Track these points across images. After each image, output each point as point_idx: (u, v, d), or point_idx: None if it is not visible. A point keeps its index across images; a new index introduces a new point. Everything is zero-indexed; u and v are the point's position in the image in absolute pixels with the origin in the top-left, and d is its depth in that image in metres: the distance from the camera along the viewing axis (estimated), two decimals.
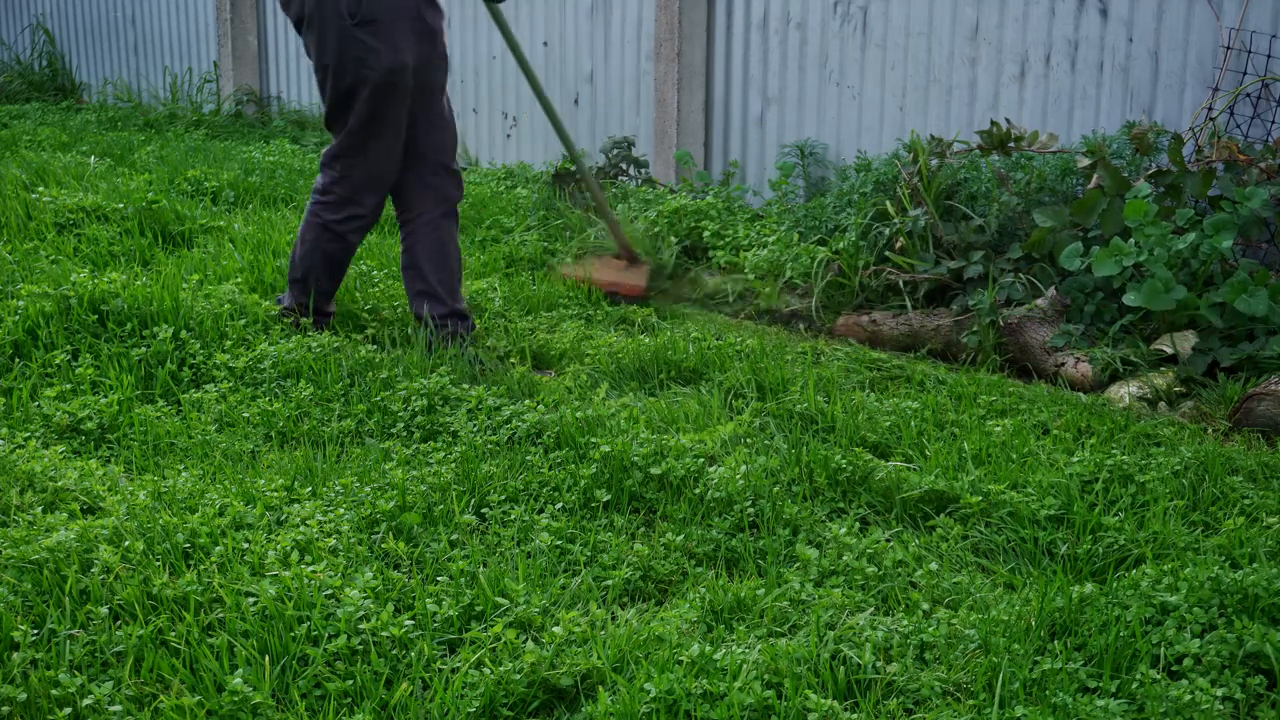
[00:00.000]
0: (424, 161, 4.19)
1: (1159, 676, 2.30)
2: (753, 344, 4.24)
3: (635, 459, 3.18)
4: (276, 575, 2.60)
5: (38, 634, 2.45)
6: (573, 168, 5.81)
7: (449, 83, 4.53)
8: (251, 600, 2.53)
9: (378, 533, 2.90)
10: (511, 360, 4.10)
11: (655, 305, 4.91)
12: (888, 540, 2.90)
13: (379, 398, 3.68)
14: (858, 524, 2.98)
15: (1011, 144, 4.71)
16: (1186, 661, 2.35)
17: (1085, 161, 4.50)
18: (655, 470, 3.14)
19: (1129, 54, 4.83)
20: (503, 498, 3.07)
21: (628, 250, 5.09)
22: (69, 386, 3.74)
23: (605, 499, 3.07)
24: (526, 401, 3.60)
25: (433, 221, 4.21)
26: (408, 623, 2.47)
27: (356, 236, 4.23)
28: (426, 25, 4.06)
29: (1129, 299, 4.03)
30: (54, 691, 2.28)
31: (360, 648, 2.42)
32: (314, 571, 2.63)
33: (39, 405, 3.60)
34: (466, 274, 5.03)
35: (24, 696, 2.27)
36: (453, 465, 3.22)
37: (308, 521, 2.88)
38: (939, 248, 4.69)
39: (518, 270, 5.23)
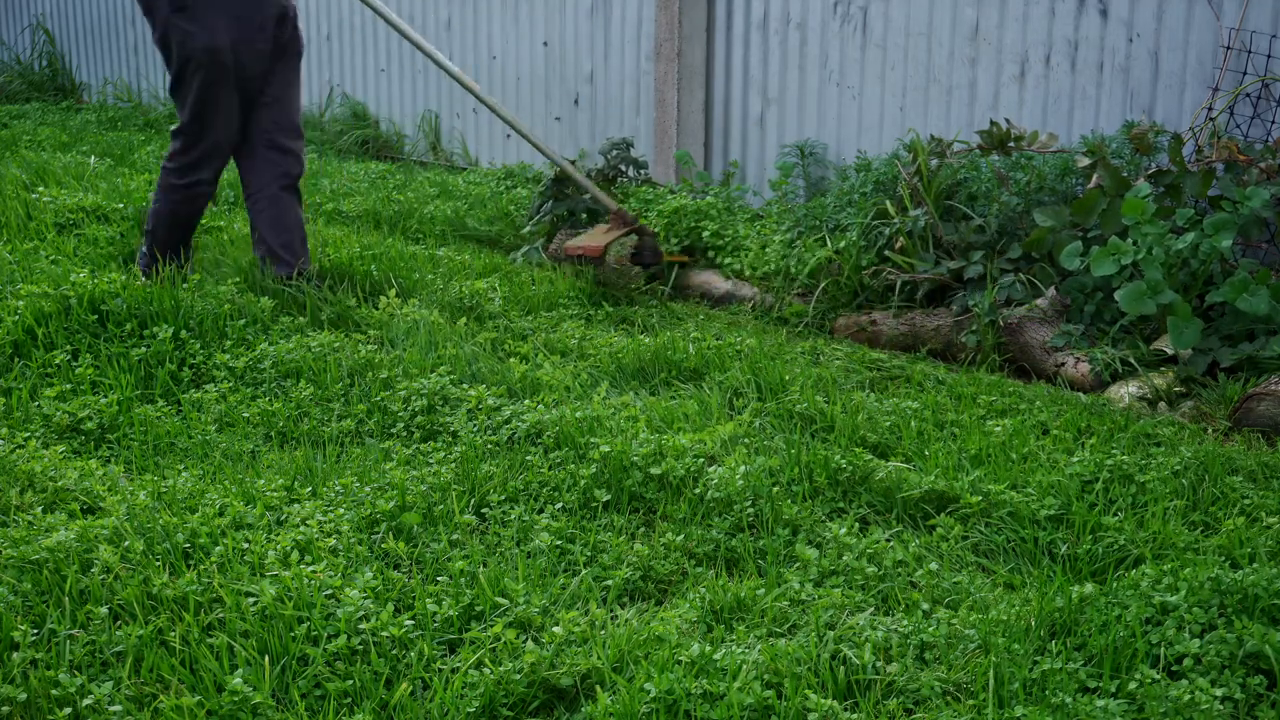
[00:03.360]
0: (259, 139, 4.63)
1: (1159, 676, 2.30)
2: (753, 344, 4.24)
3: (635, 459, 3.17)
4: (276, 575, 2.60)
5: (38, 634, 2.45)
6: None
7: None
8: (251, 600, 2.53)
9: (378, 533, 2.90)
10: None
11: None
12: (888, 540, 2.90)
13: (379, 398, 3.68)
14: (858, 524, 2.98)
15: (1011, 144, 4.70)
16: (1186, 661, 2.35)
17: (1085, 161, 4.50)
18: (655, 470, 3.13)
19: (1129, 54, 4.83)
20: (503, 498, 3.07)
21: (618, 213, 5.14)
22: (69, 386, 3.74)
23: (605, 499, 3.07)
24: (526, 401, 3.60)
25: (271, 196, 4.65)
26: (408, 623, 2.47)
27: (201, 201, 4.67)
28: (247, 10, 4.47)
29: (1118, 299, 4.03)
30: (54, 691, 2.28)
31: (360, 648, 2.42)
32: (314, 571, 2.63)
33: (39, 405, 3.60)
34: (467, 272, 5.03)
35: (24, 696, 2.27)
36: (453, 465, 3.22)
37: (308, 521, 2.89)
38: (939, 248, 4.69)
39: (518, 271, 5.23)
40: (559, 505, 3.05)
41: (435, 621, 2.51)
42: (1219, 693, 2.26)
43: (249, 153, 4.67)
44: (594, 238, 5.10)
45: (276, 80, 4.63)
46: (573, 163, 5.88)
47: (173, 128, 4.63)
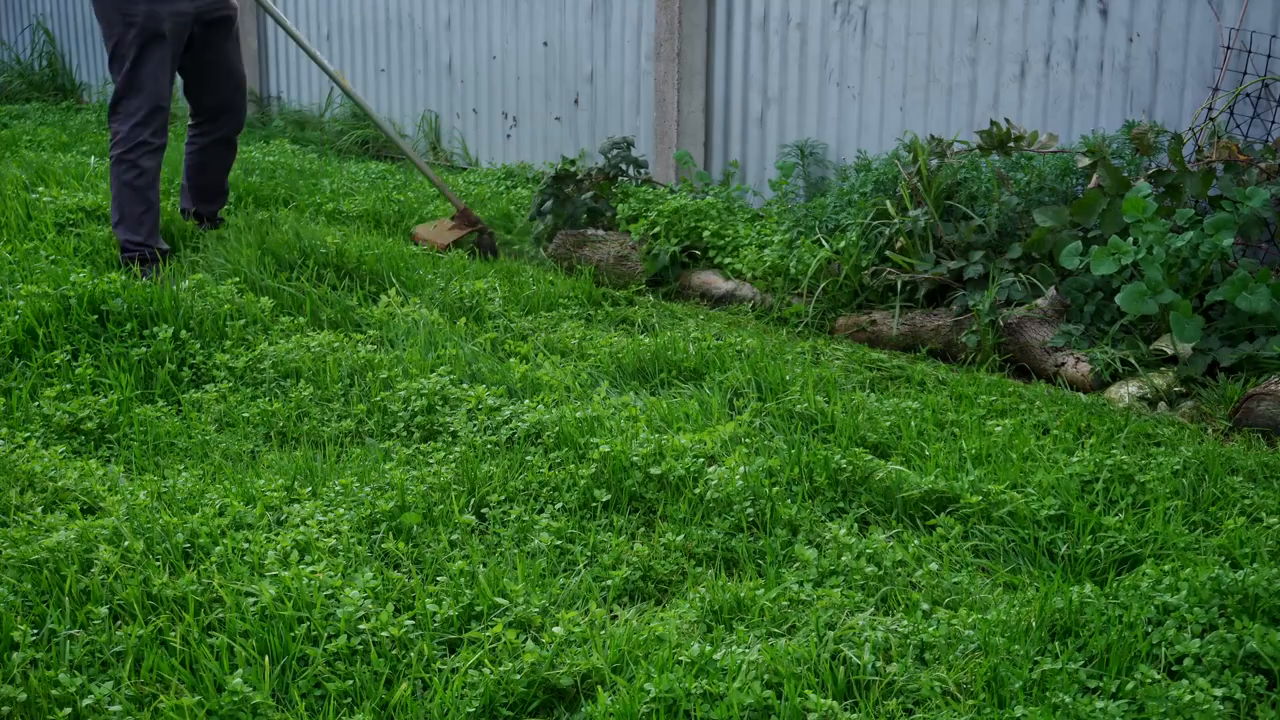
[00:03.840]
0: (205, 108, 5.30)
1: (1159, 676, 2.30)
2: (753, 344, 4.24)
3: (635, 459, 3.17)
4: (276, 575, 2.60)
5: (38, 634, 2.45)
6: (573, 168, 5.81)
7: None
8: (251, 600, 2.53)
9: (378, 533, 2.90)
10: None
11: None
12: (888, 540, 2.90)
13: (379, 398, 3.68)
14: (857, 524, 2.98)
15: (1011, 144, 4.70)
16: (1187, 661, 2.35)
17: (1085, 161, 4.50)
18: (655, 470, 3.13)
19: (1129, 54, 4.83)
20: (502, 498, 3.07)
21: (464, 212, 5.65)
22: (69, 386, 3.74)
23: (605, 499, 3.07)
24: (526, 401, 3.60)
25: (201, 146, 5.38)
26: (407, 623, 2.47)
27: (148, 161, 4.98)
28: None
29: (1119, 300, 4.02)
30: (54, 691, 2.28)
31: (360, 648, 2.42)
32: (314, 571, 2.63)
33: (39, 405, 3.60)
34: (468, 275, 5.04)
35: (24, 696, 2.27)
36: (452, 465, 3.22)
37: (307, 521, 2.89)
38: (939, 248, 4.69)
39: (518, 270, 5.24)
40: (559, 505, 3.05)
41: (435, 621, 2.51)
42: (1219, 693, 2.26)
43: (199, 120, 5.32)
44: (441, 234, 5.60)
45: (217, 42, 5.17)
46: (572, 162, 5.89)
47: (111, 99, 4.98)
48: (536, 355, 4.15)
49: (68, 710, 2.24)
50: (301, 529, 2.84)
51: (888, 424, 3.52)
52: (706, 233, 5.27)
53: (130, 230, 4.94)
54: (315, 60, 5.60)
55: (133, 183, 4.93)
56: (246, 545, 2.77)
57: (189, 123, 5.36)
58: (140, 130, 4.90)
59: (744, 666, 2.33)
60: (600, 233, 5.52)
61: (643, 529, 3.01)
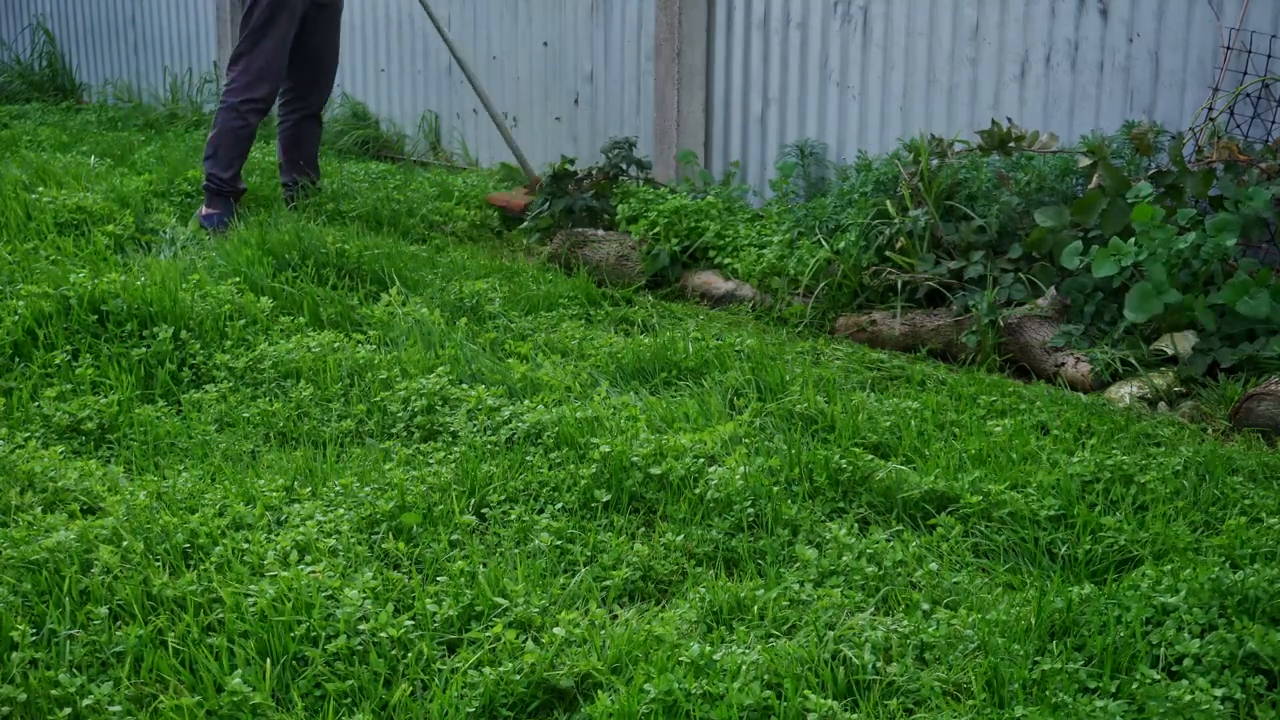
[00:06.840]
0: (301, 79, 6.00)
1: (1159, 677, 2.30)
2: (753, 344, 4.24)
3: (635, 459, 3.17)
4: (276, 576, 2.60)
5: (37, 634, 2.45)
6: (571, 167, 5.81)
7: None
8: (251, 601, 2.53)
9: (377, 533, 2.90)
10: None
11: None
12: (888, 540, 2.90)
13: (379, 398, 3.68)
14: (857, 524, 2.98)
15: (1011, 144, 4.70)
16: (1186, 662, 2.35)
17: (1085, 161, 4.50)
18: (655, 470, 3.13)
19: (1129, 54, 4.83)
20: (503, 498, 3.07)
21: (534, 179, 6.11)
22: (69, 387, 3.74)
23: (605, 499, 3.07)
24: (526, 402, 3.60)
25: (295, 122, 6.06)
26: (407, 623, 2.47)
27: (253, 117, 5.72)
28: None
29: (1126, 310, 4.02)
30: (54, 691, 2.28)
31: (360, 648, 2.42)
32: (313, 572, 2.63)
33: (39, 405, 3.60)
34: (466, 274, 5.04)
35: (24, 696, 2.27)
36: (452, 465, 3.22)
37: (307, 522, 2.88)
38: (939, 248, 4.69)
39: (518, 271, 5.23)
40: (559, 505, 3.05)
41: (435, 622, 2.51)
42: (1219, 693, 2.26)
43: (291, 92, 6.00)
44: (516, 197, 6.13)
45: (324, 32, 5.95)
46: (571, 161, 5.90)
47: (232, 54, 5.72)
48: (536, 355, 4.15)
49: (68, 710, 2.24)
50: (301, 529, 2.84)
51: (888, 424, 3.52)
52: (707, 233, 5.27)
53: (219, 167, 5.70)
54: (443, 37, 6.48)
55: (236, 131, 5.68)
56: (246, 546, 2.77)
57: (280, 99, 5.97)
58: (255, 88, 5.65)
59: (744, 667, 2.33)
60: (600, 232, 5.52)
61: (643, 529, 3.01)
